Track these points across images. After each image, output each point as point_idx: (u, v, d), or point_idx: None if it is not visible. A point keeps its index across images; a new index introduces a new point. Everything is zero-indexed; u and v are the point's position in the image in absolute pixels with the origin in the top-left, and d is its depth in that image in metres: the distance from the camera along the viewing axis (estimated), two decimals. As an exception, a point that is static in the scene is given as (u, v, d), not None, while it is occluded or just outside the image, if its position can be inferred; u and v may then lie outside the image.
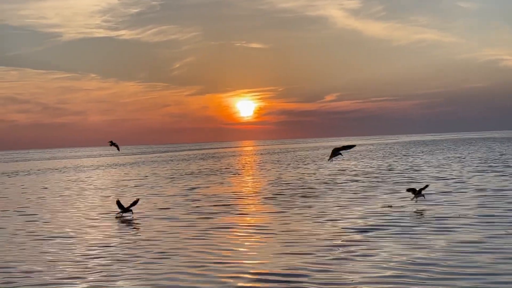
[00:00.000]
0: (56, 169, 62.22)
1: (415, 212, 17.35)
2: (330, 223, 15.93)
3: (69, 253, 13.17)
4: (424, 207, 18.17)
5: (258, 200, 22.72)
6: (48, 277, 10.99)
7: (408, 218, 16.13)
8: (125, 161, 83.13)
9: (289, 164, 51.04)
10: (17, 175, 53.51)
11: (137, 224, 17.63)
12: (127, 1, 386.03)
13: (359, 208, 18.66)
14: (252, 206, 20.94)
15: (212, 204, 21.61)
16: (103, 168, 61.89)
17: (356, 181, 28.87)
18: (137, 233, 15.98)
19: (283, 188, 26.88)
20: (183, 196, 25.32)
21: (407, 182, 26.80)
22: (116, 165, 66.84)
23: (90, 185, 35.64)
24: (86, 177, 44.22)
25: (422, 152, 66.29)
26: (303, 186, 27.57)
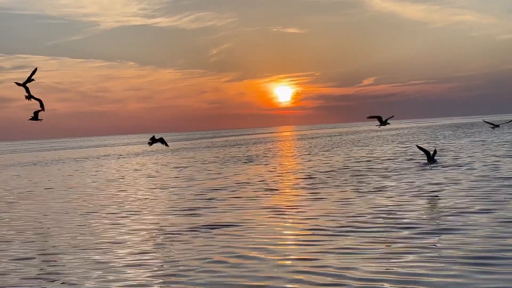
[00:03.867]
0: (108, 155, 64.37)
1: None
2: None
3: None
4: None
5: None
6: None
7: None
8: (180, 146, 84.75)
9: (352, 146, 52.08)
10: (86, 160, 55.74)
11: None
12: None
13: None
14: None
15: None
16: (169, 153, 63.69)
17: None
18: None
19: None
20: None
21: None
22: (178, 150, 68.73)
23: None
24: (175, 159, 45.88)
25: (445, 137, 66.25)
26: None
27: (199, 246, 12.62)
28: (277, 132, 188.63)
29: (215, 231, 14.25)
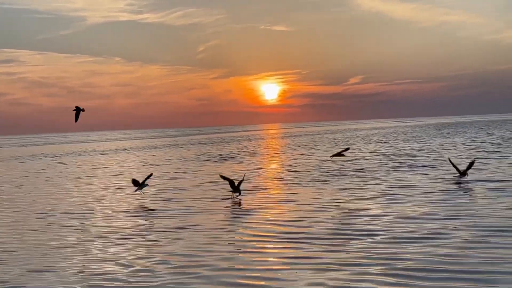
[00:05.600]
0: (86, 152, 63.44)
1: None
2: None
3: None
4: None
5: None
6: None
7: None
8: (160, 143, 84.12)
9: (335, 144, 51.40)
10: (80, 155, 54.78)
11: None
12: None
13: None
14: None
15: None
16: (150, 148, 62.82)
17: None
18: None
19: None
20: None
21: (396, 166, 27.03)
22: (155, 147, 67.85)
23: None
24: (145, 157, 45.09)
25: (429, 136, 65.98)
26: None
27: (140, 248, 11.78)
28: (263, 130, 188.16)
29: (161, 234, 13.40)
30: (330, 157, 21.58)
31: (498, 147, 38.31)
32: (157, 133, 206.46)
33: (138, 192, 20.07)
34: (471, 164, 20.47)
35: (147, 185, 19.72)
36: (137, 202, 19.59)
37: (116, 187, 24.85)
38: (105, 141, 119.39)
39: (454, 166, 20.83)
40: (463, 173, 20.36)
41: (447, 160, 22.97)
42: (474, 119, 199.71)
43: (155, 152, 59.31)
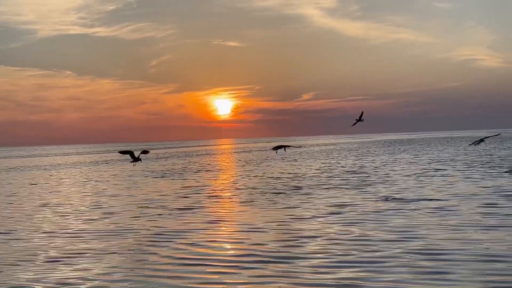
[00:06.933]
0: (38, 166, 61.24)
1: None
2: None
3: None
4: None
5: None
6: None
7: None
8: (107, 158, 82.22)
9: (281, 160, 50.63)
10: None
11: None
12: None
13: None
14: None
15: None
16: (93, 164, 61.01)
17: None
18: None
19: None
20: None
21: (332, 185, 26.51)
22: (101, 163, 66.02)
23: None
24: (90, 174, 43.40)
25: (372, 153, 66.22)
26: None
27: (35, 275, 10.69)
28: (214, 145, 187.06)
29: (79, 257, 12.30)
30: (272, 149, 22.56)
31: (446, 164, 38.30)
32: (107, 148, 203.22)
33: (132, 164, 22.64)
34: (482, 139, 21.77)
35: (140, 160, 21.48)
36: (64, 222, 18.40)
37: (46, 205, 23.52)
38: (51, 156, 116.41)
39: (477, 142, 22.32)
40: (479, 142, 21.83)
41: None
42: (425, 136, 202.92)
43: (100, 167, 57.75)
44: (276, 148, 22.73)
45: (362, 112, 22.88)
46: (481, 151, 58.05)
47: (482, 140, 26.29)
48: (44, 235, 16.04)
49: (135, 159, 21.16)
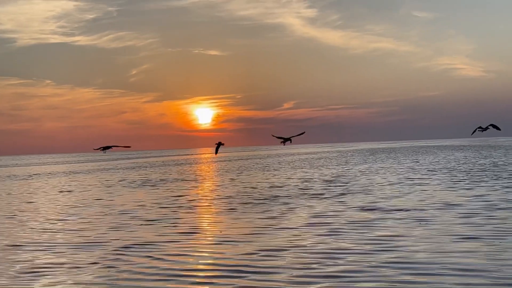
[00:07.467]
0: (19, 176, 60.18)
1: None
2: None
3: None
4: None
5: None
6: None
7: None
8: (85, 168, 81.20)
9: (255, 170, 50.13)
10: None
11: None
12: (83, 6, 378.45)
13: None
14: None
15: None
16: (82, 173, 60.05)
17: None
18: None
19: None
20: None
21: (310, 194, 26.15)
22: (79, 172, 65.06)
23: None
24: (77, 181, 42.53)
25: (352, 162, 66.10)
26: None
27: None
28: (195, 154, 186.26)
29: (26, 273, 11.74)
30: (280, 142, 23.82)
31: (426, 173, 38.13)
32: (86, 157, 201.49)
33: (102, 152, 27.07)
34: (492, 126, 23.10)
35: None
36: (32, 233, 17.80)
37: (15, 216, 22.87)
38: (30, 165, 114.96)
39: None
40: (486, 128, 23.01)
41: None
42: (405, 145, 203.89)
43: (78, 176, 56.91)
44: (283, 140, 23.50)
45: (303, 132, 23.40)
46: (461, 159, 58.14)
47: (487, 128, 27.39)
48: (9, 247, 15.46)
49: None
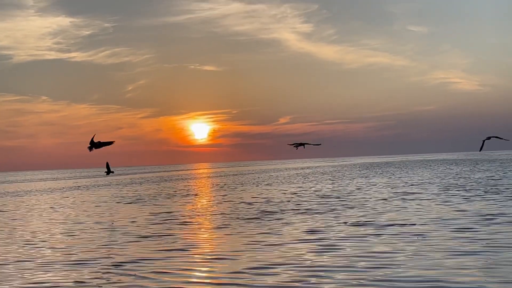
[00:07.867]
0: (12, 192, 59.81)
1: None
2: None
3: None
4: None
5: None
6: None
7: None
8: (81, 184, 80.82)
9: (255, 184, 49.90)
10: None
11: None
12: (79, 23, 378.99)
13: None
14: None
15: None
16: (87, 188, 59.74)
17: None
18: None
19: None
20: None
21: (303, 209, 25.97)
22: (74, 188, 64.73)
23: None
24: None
25: (348, 176, 65.97)
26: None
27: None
28: (191, 169, 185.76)
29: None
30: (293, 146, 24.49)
31: (421, 188, 38.02)
32: (83, 173, 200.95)
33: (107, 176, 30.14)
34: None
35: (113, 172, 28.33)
36: (23, 250, 17.55)
37: (8, 233, 22.61)
38: (26, 181, 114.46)
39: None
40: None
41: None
42: (400, 159, 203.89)
43: (72, 192, 56.62)
44: (296, 145, 24.01)
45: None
46: (455, 174, 58.05)
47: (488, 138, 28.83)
48: (-1, 266, 15.22)
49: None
